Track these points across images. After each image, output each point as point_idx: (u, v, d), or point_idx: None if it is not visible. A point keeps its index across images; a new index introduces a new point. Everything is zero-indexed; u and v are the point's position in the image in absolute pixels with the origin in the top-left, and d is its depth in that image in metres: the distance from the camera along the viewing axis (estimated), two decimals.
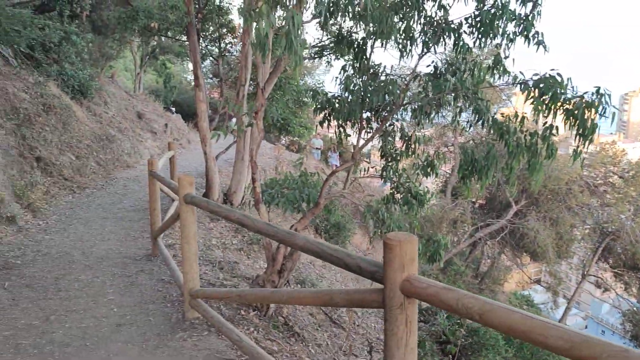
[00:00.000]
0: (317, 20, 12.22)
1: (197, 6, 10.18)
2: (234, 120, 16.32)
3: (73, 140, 12.16)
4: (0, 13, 8.79)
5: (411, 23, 5.12)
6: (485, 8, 4.76)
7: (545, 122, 4.43)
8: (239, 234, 9.28)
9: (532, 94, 4.41)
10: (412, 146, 5.59)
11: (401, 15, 5.05)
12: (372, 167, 6.32)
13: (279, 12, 4.61)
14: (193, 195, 4.54)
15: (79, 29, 14.54)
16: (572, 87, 4.23)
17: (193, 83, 10.16)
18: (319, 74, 29.18)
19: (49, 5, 13.79)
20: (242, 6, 8.22)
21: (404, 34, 5.15)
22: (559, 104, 4.22)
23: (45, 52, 13.15)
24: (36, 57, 12.68)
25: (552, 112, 4.27)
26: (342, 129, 5.83)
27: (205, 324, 4.78)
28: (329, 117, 5.77)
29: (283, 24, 4.22)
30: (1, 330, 4.57)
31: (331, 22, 5.26)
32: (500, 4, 4.65)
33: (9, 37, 9.73)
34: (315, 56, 13.12)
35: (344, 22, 5.49)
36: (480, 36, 4.87)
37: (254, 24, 3.91)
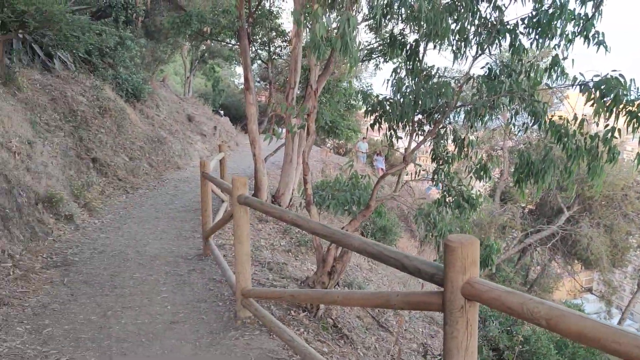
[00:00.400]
0: (366, 23, 12.25)
1: (247, 10, 10.33)
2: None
3: (127, 142, 12.52)
4: (60, 19, 9.12)
5: (465, 24, 5.04)
6: (544, 8, 4.64)
7: (607, 125, 4.29)
8: (286, 236, 9.35)
9: (592, 96, 4.28)
10: (465, 149, 5.50)
11: (455, 17, 4.99)
12: (423, 170, 6.25)
13: (332, 15, 4.64)
14: (247, 196, 4.61)
15: (133, 34, 15.00)
16: (636, 89, 4.09)
17: (241, 86, 10.31)
18: (366, 77, 29.16)
19: (106, 11, 14.27)
20: (294, 9, 8.29)
21: (458, 36, 5.09)
22: (621, 105, 4.08)
23: (101, 57, 13.62)
24: (93, 62, 13.14)
25: (614, 114, 4.13)
26: (393, 132, 5.80)
27: (257, 323, 4.83)
28: (379, 120, 5.75)
29: (336, 25, 4.23)
30: (62, 324, 4.74)
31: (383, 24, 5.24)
32: (559, 4, 4.53)
33: (69, 42, 10.12)
34: (364, 59, 13.11)
35: (397, 24, 5.47)
36: (537, 37, 4.76)
37: (307, 27, 3.93)
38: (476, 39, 5.19)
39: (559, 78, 4.85)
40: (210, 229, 6.92)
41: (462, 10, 4.96)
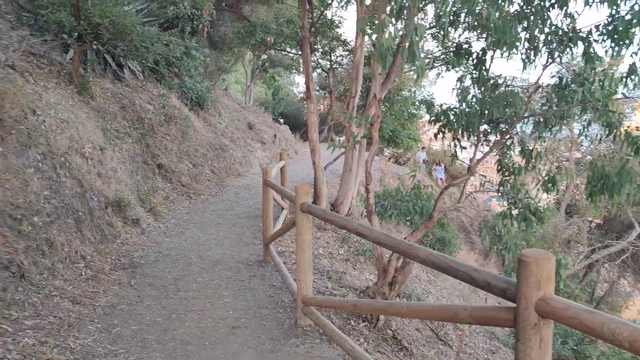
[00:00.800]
0: (430, 31, 12.13)
1: (310, 20, 10.44)
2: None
3: (190, 149, 12.87)
4: (132, 31, 9.48)
5: (535, 32, 4.91)
6: (620, 14, 4.46)
7: None
8: (345, 245, 9.33)
9: None
10: (533, 160, 5.34)
11: (525, 25, 4.86)
12: (487, 181, 6.11)
13: (398, 24, 4.60)
14: (309, 204, 4.63)
15: (198, 44, 15.43)
16: None
17: (300, 95, 10.41)
18: (427, 85, 28.88)
19: (173, 23, 14.75)
20: (358, 20, 8.31)
21: (527, 44, 4.95)
22: None
23: (168, 66, 14.08)
24: (160, 71, 13.60)
25: None
26: (457, 142, 5.70)
27: (317, 331, 4.83)
28: (443, 129, 5.67)
29: (402, 34, 4.21)
30: (130, 325, 4.89)
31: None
32: (637, 9, 4.34)
33: (139, 52, 10.52)
34: (427, 68, 12.98)
35: (463, 33, 5.38)
36: (613, 44, 4.57)
37: (372, 36, 3.92)
38: (546, 47, 5.04)
39: (636, 87, 4.64)
40: (271, 236, 7.00)
41: (532, 18, 4.83)
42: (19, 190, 5.62)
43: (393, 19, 4.23)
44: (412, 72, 13.38)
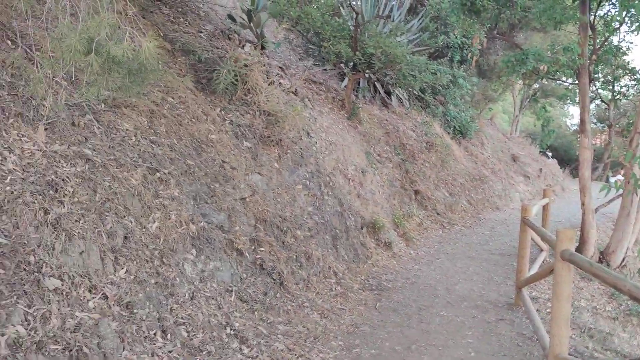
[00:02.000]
0: None
1: (592, 47, 9.49)
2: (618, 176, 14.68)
3: (448, 178, 12.78)
4: (402, 60, 9.87)
5: None
6: None
7: None
8: (613, 300, 8.14)
9: None
10: None
11: None
12: None
13: None
14: (572, 252, 4.10)
15: (466, 72, 15.35)
16: None
17: (574, 127, 9.48)
18: None
19: (442, 52, 14.94)
20: None
21: None
22: None
23: (433, 95, 14.28)
24: (425, 99, 13.86)
25: None
26: None
27: None
28: None
29: None
30: (370, 348, 4.95)
31: None
32: None
33: (406, 81, 10.89)
34: None
35: None
36: None
37: None
38: None
39: None
40: (525, 280, 6.44)
41: None
42: (287, 205, 6.21)
43: None
44: None
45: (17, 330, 2.65)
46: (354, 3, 11.82)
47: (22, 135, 3.57)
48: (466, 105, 16.19)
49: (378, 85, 12.20)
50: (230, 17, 8.84)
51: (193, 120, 5.81)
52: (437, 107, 14.40)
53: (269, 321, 4.80)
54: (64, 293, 3.08)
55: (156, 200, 4.45)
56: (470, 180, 13.92)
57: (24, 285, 2.87)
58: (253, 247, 5.46)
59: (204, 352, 3.83)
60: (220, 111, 6.55)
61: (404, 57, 9.96)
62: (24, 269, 2.93)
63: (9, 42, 4.12)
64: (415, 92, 13.13)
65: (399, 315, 5.99)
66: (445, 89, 14.32)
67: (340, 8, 11.67)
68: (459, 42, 14.81)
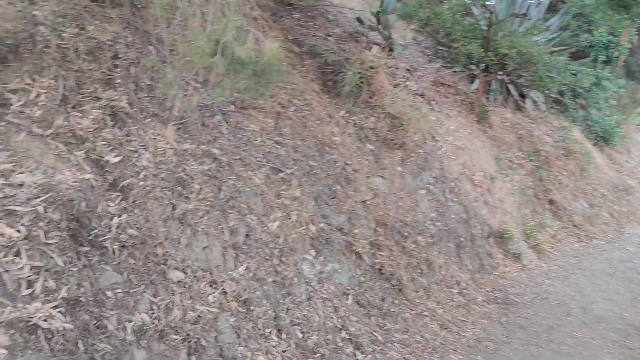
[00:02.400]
0: None
1: None
2: None
3: (588, 187, 11.80)
4: (538, 61, 9.26)
5: None
6: None
7: None
8: None
9: None
10: None
11: None
12: None
13: None
14: None
15: (611, 74, 14.08)
16: None
17: None
18: None
19: (585, 52, 13.83)
20: None
21: None
22: None
23: (573, 98, 13.27)
24: (564, 102, 12.92)
25: None
26: None
27: None
28: None
29: None
30: None
31: None
32: None
33: (543, 82, 10.20)
34: None
35: None
36: None
37: None
38: None
39: None
40: None
41: None
42: (409, 209, 6.06)
43: None
44: None
45: (142, 318, 2.79)
46: (488, 2, 11.32)
47: (157, 134, 3.79)
48: (611, 110, 14.81)
49: (511, 87, 11.57)
50: (359, 19, 8.88)
51: (317, 122, 5.87)
52: (577, 111, 13.35)
53: (385, 328, 4.70)
54: (187, 286, 3.22)
55: (278, 200, 4.53)
56: (613, 190, 12.75)
57: (151, 275, 3.03)
58: (372, 251, 5.38)
59: (318, 355, 3.82)
60: (345, 113, 6.56)
61: (541, 57, 9.33)
62: (152, 261, 3.10)
63: (150, 47, 4.41)
64: (552, 94, 12.28)
65: (527, 332, 5.61)
66: (587, 91, 13.21)
67: (473, 7, 11.24)
68: (605, 41, 13.63)
